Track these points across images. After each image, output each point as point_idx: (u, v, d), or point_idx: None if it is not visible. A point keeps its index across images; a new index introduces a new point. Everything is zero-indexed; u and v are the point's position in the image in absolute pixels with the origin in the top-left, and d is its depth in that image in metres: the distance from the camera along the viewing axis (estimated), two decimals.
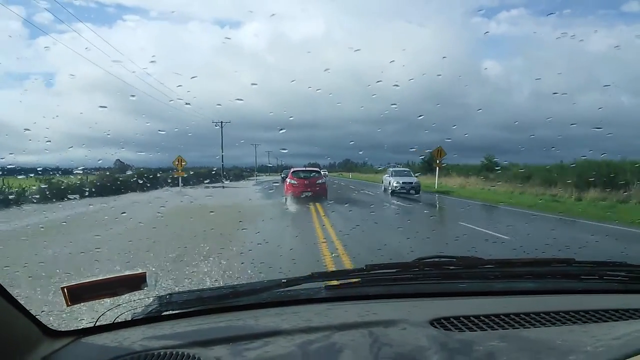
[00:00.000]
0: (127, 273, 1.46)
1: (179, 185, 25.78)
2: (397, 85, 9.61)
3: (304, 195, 18.38)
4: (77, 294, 1.33)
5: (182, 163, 24.34)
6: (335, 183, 40.01)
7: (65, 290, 1.30)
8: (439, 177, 30.97)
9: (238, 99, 7.96)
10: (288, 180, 19.41)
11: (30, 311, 1.11)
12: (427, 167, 41.72)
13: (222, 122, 42.70)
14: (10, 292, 1.02)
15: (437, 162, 27.27)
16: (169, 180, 25.80)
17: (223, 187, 33.25)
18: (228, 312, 1.52)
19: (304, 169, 20.47)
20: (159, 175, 26.01)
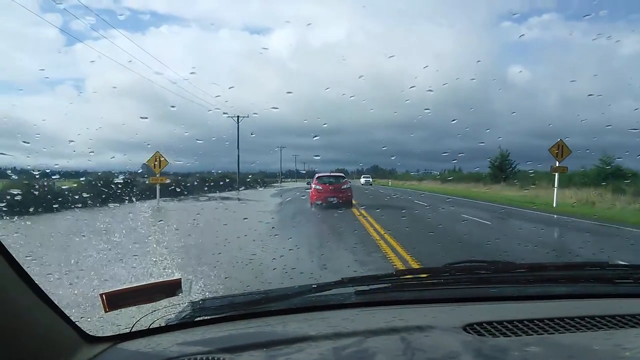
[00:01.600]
0: (163, 279, 1.49)
1: (155, 198, 17.12)
2: (431, 90, 9.50)
3: (329, 201, 18.13)
4: (115, 301, 1.36)
5: (161, 163, 16.70)
6: (391, 195, 32.34)
7: (104, 297, 1.34)
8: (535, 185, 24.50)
9: (274, 107, 8.05)
10: (313, 185, 19.18)
11: (70, 317, 1.15)
12: (497, 173, 38.01)
13: (238, 116, 39.70)
14: (52, 299, 1.06)
15: (557, 165, 18.93)
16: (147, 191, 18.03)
17: (220, 200, 23.28)
18: (258, 318, 1.54)
19: (329, 174, 20.20)
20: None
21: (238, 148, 38.12)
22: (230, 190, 31.87)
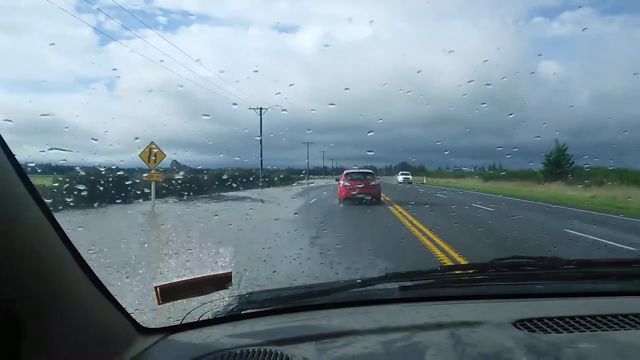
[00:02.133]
0: (214, 273, 1.53)
1: (150, 199, 14.41)
2: (489, 85, 9.17)
3: (357, 197, 18.16)
4: (168, 293, 1.41)
5: (157, 157, 14.11)
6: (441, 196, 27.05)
7: (158, 290, 1.39)
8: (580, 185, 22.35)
9: (331, 104, 7.96)
10: (341, 182, 19.31)
11: (125, 309, 1.20)
12: (553, 169, 33.90)
13: (260, 108, 36.44)
14: (110, 291, 1.12)
15: None
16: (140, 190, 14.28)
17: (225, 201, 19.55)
18: (303, 312, 1.57)
19: (357, 170, 20.23)
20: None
21: (261, 143, 33.67)
22: (251, 189, 27.19)
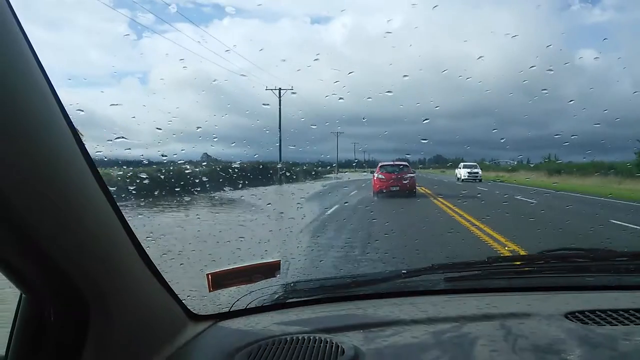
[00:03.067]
0: (263, 261, 1.55)
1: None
2: (550, 70, 8.69)
3: (392, 190, 18.27)
4: (218, 281, 1.44)
5: None
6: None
7: (210, 277, 1.42)
8: None
9: (388, 92, 7.84)
10: (376, 174, 19.42)
11: (178, 295, 1.26)
12: None
13: (280, 88, 32.34)
14: (165, 278, 1.18)
15: None
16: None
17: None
18: (348, 301, 1.59)
19: (392, 163, 20.17)
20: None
21: (280, 130, 27.34)
22: (262, 186, 19.94)
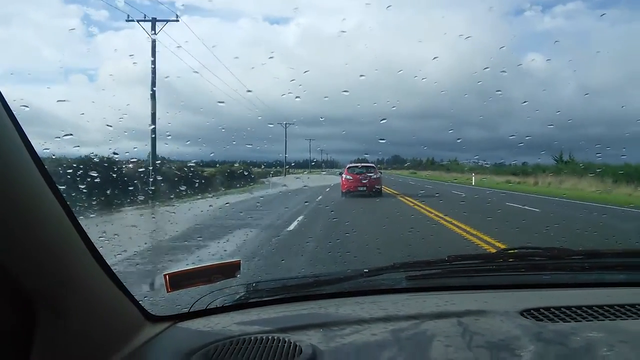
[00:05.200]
0: (223, 261, 1.53)
1: None
2: (504, 72, 9.02)
3: (359, 190, 19.06)
4: (177, 281, 1.41)
5: None
6: None
7: (167, 277, 1.39)
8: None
9: (344, 91, 7.87)
10: (344, 175, 20.23)
11: (135, 297, 1.21)
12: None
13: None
14: (121, 279, 1.14)
15: None
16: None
17: None
18: (310, 301, 1.58)
19: (359, 165, 21.28)
20: None
21: (154, 122, 18.19)
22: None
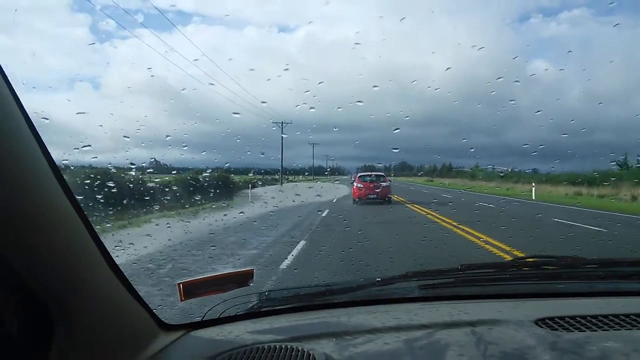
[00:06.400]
0: (236, 270, 1.53)
1: None
2: (517, 81, 8.95)
3: (369, 198, 19.72)
4: (190, 290, 1.42)
5: None
6: None
7: (181, 286, 1.40)
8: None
9: (358, 102, 7.83)
10: (355, 184, 20.83)
11: (149, 305, 1.23)
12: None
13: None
14: (135, 288, 1.15)
15: None
16: None
17: None
18: (322, 310, 1.58)
19: (370, 173, 21.94)
20: None
21: None
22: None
